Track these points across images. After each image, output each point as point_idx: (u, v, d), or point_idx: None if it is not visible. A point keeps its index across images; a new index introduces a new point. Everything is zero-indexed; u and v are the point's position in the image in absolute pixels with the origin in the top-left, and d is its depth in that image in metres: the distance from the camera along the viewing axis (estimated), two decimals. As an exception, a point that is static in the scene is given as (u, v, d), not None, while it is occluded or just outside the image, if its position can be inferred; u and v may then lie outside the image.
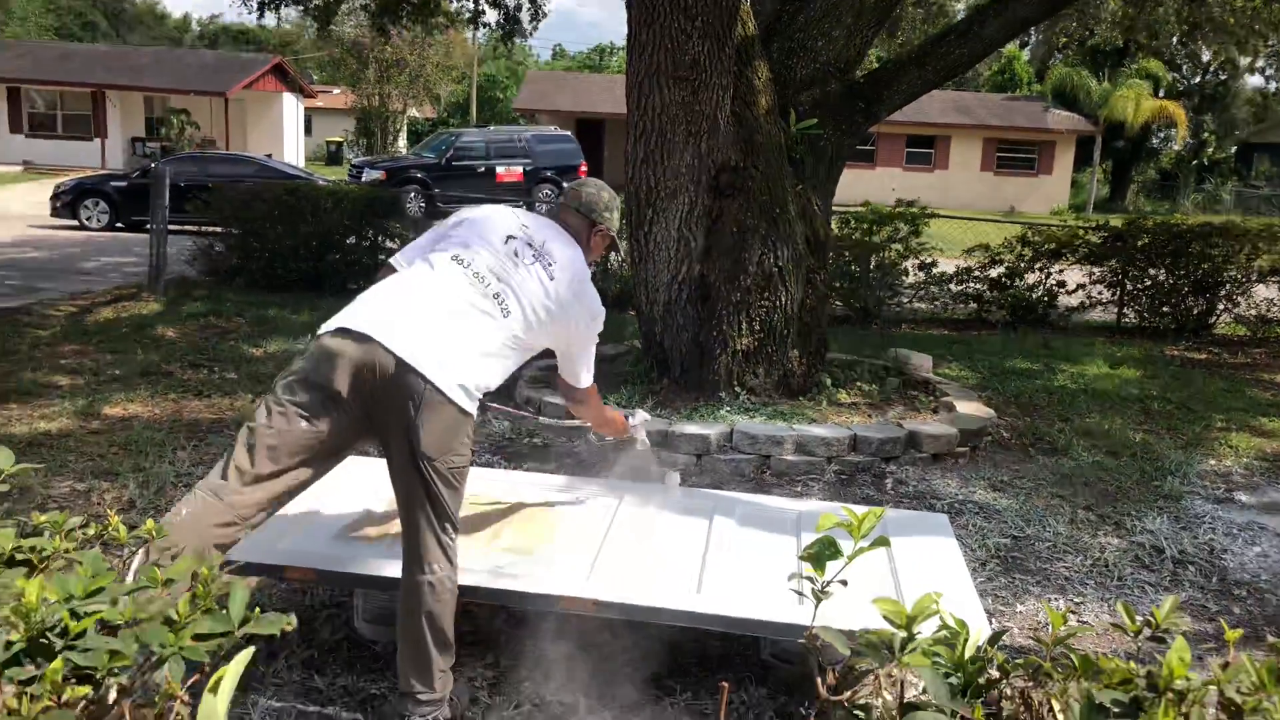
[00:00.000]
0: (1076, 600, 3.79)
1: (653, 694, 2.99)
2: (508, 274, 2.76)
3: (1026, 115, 31.88)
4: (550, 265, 2.83)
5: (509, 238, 2.83)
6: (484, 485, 3.72)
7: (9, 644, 1.27)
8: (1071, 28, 13.76)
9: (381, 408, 2.56)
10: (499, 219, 2.89)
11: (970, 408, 5.88)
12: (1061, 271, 9.99)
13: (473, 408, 2.64)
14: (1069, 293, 9.96)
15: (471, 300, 2.69)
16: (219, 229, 10.67)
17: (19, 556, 1.51)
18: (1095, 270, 10.03)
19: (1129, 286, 10.07)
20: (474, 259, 2.75)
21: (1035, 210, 28.28)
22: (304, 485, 2.64)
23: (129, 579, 1.62)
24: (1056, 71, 31.88)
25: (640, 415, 3.67)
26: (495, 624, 3.35)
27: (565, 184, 21.44)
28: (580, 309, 2.92)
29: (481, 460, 5.09)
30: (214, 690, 1.18)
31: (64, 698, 1.26)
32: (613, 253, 3.28)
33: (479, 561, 3.00)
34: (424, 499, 2.59)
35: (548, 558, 3.09)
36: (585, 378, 3.13)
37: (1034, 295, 9.93)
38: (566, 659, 3.15)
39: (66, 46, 36.40)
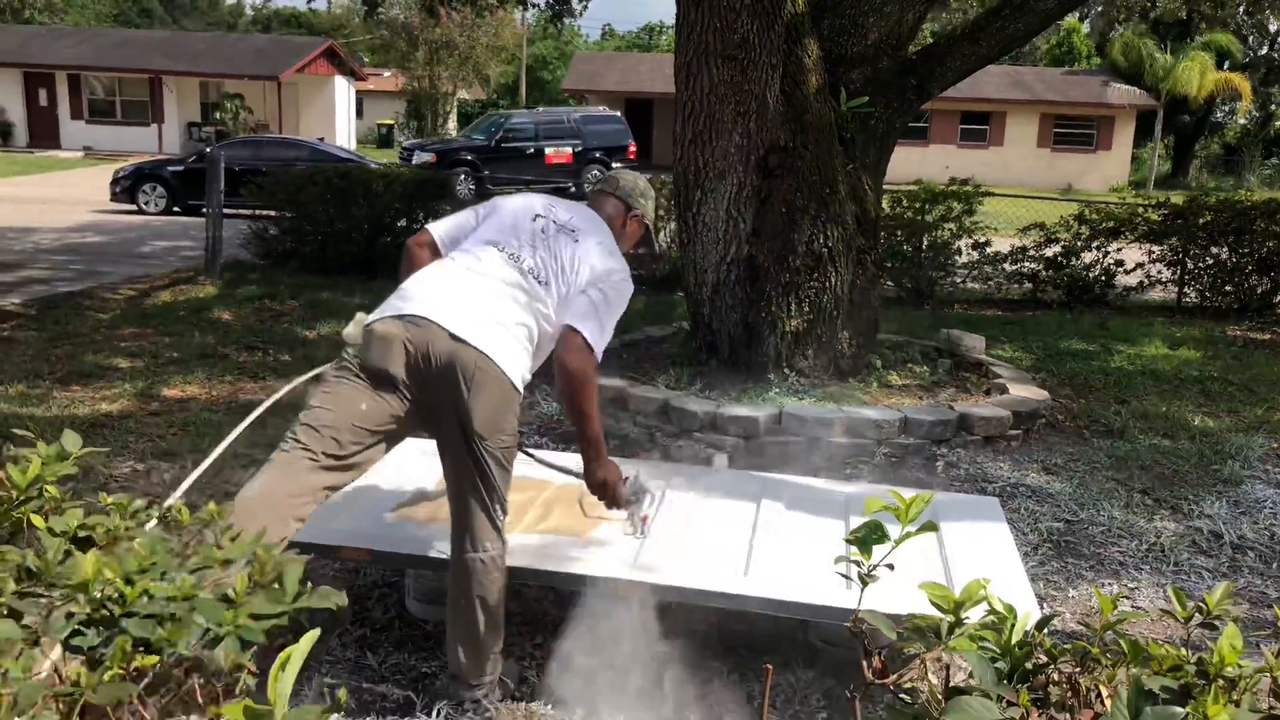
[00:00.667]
0: (1130, 586, 3.74)
1: (701, 675, 3.00)
2: (539, 249, 2.80)
3: (1085, 90, 31.20)
4: (577, 235, 2.86)
5: (537, 216, 2.88)
6: (531, 466, 3.75)
7: (70, 615, 1.31)
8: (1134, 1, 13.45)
9: (435, 388, 2.60)
10: (528, 202, 2.94)
11: (1024, 390, 5.81)
12: (1120, 250, 9.79)
13: (520, 383, 2.67)
14: (1127, 272, 9.76)
15: (511, 280, 2.73)
16: (273, 213, 10.84)
17: (81, 534, 1.56)
18: (1155, 249, 9.81)
19: (1190, 265, 9.85)
20: (508, 242, 2.80)
21: (1093, 188, 27.74)
22: (360, 470, 2.69)
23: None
24: (1119, 41, 31.07)
25: (641, 481, 2.94)
26: (544, 605, 3.39)
27: (614, 164, 21.45)
28: (615, 265, 2.86)
29: (531, 440, 5.13)
30: (282, 667, 1.21)
31: (133, 665, 1.30)
32: (644, 248, 3.20)
33: (527, 543, 3.04)
34: (476, 479, 2.63)
35: (596, 539, 3.11)
36: (597, 331, 2.70)
37: (1091, 275, 9.75)
38: (614, 640, 3.18)
39: (124, 33, 37.07)
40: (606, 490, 2.84)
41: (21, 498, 1.70)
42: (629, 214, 3.06)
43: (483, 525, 2.66)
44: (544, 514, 3.29)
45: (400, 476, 3.53)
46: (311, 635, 1.39)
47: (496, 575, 2.70)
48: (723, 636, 3.23)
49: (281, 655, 1.33)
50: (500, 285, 2.71)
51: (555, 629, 3.22)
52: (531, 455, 3.09)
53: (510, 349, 2.65)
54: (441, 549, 2.97)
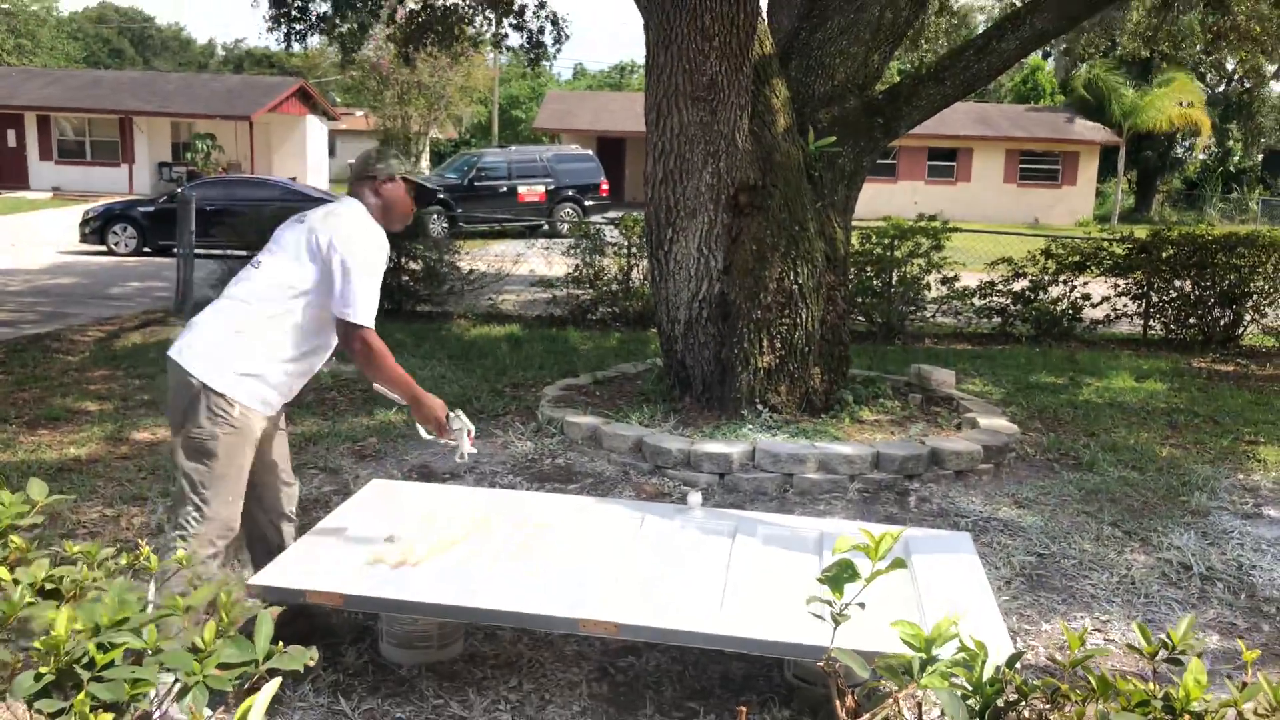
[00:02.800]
0: (1102, 618, 3.76)
1: (676, 716, 2.99)
2: (270, 245, 3.15)
3: (1049, 126, 31.73)
4: (305, 217, 3.13)
5: (282, 227, 3.19)
6: (504, 506, 3.74)
7: (39, 675, 1.30)
8: (1095, 39, 13.72)
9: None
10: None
11: (994, 423, 5.86)
12: (1086, 284, 9.94)
13: (207, 376, 2.97)
14: (1094, 305, 9.90)
15: (234, 283, 3.13)
16: (245, 253, 10.80)
17: (49, 586, 1.54)
18: (1120, 282, 9.97)
19: (1154, 298, 10.00)
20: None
21: (1059, 222, 28.13)
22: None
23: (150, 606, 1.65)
24: (1083, 77, 31.65)
25: (464, 421, 3.25)
26: (518, 647, 3.37)
27: (586, 202, 21.55)
28: (328, 225, 3.05)
29: (504, 481, 5.12)
30: (244, 718, 1.20)
31: (92, 723, 1.29)
32: (414, 196, 3.28)
33: (501, 585, 3.02)
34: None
35: (569, 580, 3.10)
36: (352, 307, 2.99)
37: (1058, 308, 9.88)
38: (589, 681, 3.17)
39: (95, 74, 36.97)
40: (432, 422, 3.18)
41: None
42: (375, 182, 3.20)
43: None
44: (519, 556, 3.27)
45: (370, 519, 3.51)
46: (272, 685, 1.38)
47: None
48: (699, 676, 3.22)
49: (243, 705, 1.33)
50: (222, 297, 3.12)
51: (530, 671, 3.20)
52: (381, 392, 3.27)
53: (210, 351, 3.00)
54: (415, 593, 2.95)
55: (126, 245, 16.87)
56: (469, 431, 3.24)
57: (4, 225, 20.67)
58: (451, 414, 3.21)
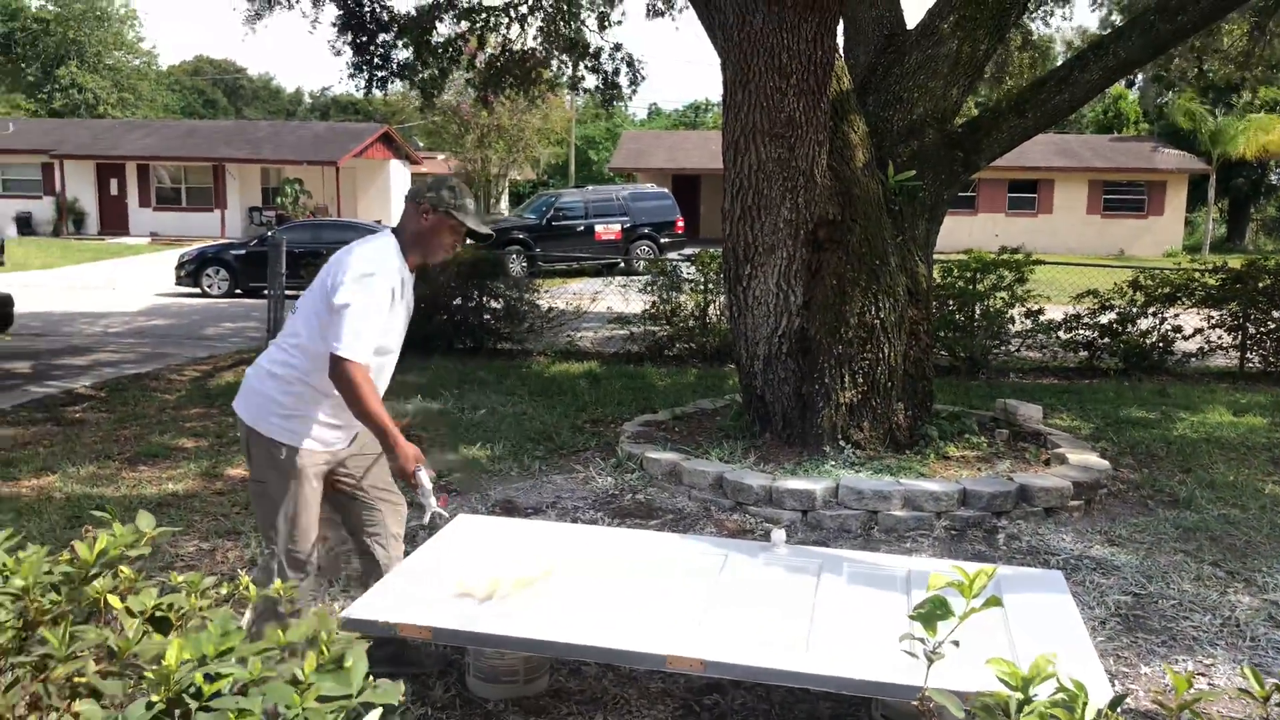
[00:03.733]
0: (1205, 662, 3.62)
1: (762, 755, 2.96)
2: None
3: (1134, 155, 31.05)
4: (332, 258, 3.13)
5: None
6: (587, 542, 3.75)
7: (150, 704, 1.35)
8: (1183, 66, 13.43)
9: None
10: None
11: (1084, 459, 5.71)
12: (1177, 316, 9.65)
13: (264, 426, 3.08)
14: (1186, 338, 9.61)
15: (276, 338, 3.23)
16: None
17: (159, 614, 1.60)
18: (1214, 314, 9.66)
19: (1251, 330, 9.67)
20: None
21: (1146, 253, 27.43)
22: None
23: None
24: (1169, 105, 30.94)
25: (425, 475, 3.12)
26: (603, 683, 3.37)
27: (662, 240, 21.68)
28: (352, 266, 2.99)
29: (585, 517, 5.14)
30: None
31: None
32: (463, 234, 3.21)
33: (586, 620, 3.03)
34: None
35: (654, 616, 3.09)
36: (338, 337, 2.92)
37: (1148, 341, 9.61)
38: (674, 718, 3.15)
39: (190, 124, 38.53)
40: (404, 475, 3.12)
41: (92, 573, 1.75)
42: (419, 210, 3.13)
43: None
44: (604, 591, 3.27)
45: (457, 554, 3.55)
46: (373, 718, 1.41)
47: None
48: (784, 715, 3.18)
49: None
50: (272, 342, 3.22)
51: (615, 707, 3.20)
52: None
53: (252, 398, 3.12)
54: (502, 627, 2.97)
55: (219, 287, 17.46)
56: (431, 488, 3.13)
57: (106, 270, 21.56)
58: (418, 468, 3.09)
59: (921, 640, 1.77)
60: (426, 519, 3.18)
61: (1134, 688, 3.41)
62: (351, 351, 2.92)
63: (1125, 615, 4.00)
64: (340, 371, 2.93)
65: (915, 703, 1.76)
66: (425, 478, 3.11)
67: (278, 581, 3.05)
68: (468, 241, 3.30)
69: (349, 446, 3.27)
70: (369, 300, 2.95)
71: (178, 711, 1.42)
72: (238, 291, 17.30)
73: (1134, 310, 9.60)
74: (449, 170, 39.40)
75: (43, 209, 31.12)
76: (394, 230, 3.20)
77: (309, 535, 3.17)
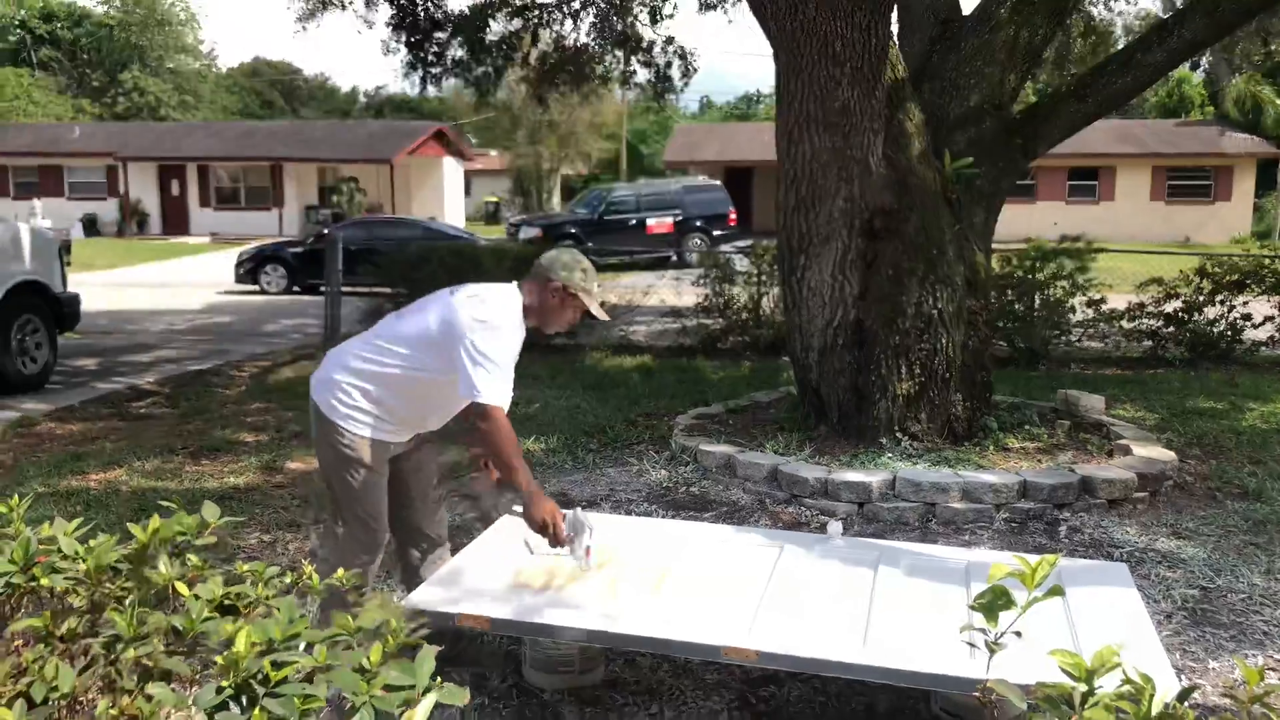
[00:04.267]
0: (1277, 657, 3.53)
1: (820, 747, 2.94)
2: (424, 300, 3.27)
3: (1199, 140, 30.27)
4: (460, 290, 3.20)
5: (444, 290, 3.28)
6: (642, 533, 3.76)
7: (219, 689, 1.38)
8: (1250, 48, 13.06)
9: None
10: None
11: (1148, 450, 5.59)
12: (1246, 304, 9.40)
13: (338, 415, 3.15)
14: (1255, 326, 9.35)
15: (369, 334, 3.30)
16: (389, 290, 11.22)
17: (226, 603, 1.63)
18: (1285, 301, 9.39)
19: (1324, 317, 9.38)
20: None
21: (1213, 240, 26.74)
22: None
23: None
24: (1235, 88, 30.09)
25: (585, 527, 3.08)
26: (659, 674, 3.37)
27: (715, 232, 21.61)
28: (480, 317, 3.06)
29: (639, 509, 5.15)
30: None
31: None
32: (588, 317, 3.32)
33: (641, 611, 3.03)
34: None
35: (710, 607, 3.09)
36: (478, 388, 2.98)
37: (1215, 330, 9.37)
38: (730, 709, 3.14)
39: (248, 125, 39.20)
40: (546, 529, 3.08)
41: (150, 553, 1.79)
42: (549, 285, 3.21)
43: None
44: (659, 583, 3.28)
45: (513, 546, 3.58)
46: (428, 704, 1.43)
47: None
48: (841, 708, 3.16)
49: (405, 716, 1.38)
50: (363, 336, 3.31)
51: (670, 698, 3.20)
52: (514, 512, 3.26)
53: (333, 390, 3.18)
54: (558, 617, 2.99)
55: (277, 285, 17.75)
56: (589, 534, 3.10)
57: (170, 269, 22.05)
58: (568, 516, 3.06)
59: (982, 631, 1.75)
60: (576, 562, 3.18)
61: (1202, 683, 3.33)
62: (499, 399, 3.00)
63: (1192, 609, 3.91)
64: (490, 416, 2.99)
65: (976, 694, 1.73)
66: (583, 516, 3.13)
67: (339, 570, 3.12)
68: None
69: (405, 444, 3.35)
70: (505, 351, 3.05)
71: (245, 697, 1.45)
72: (295, 289, 17.57)
73: (1200, 298, 9.37)
74: (503, 165, 39.67)
75: (107, 210, 31.89)
76: (520, 286, 3.25)
77: (381, 520, 3.28)
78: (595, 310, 3.28)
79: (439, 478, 3.62)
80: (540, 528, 3.09)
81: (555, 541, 3.11)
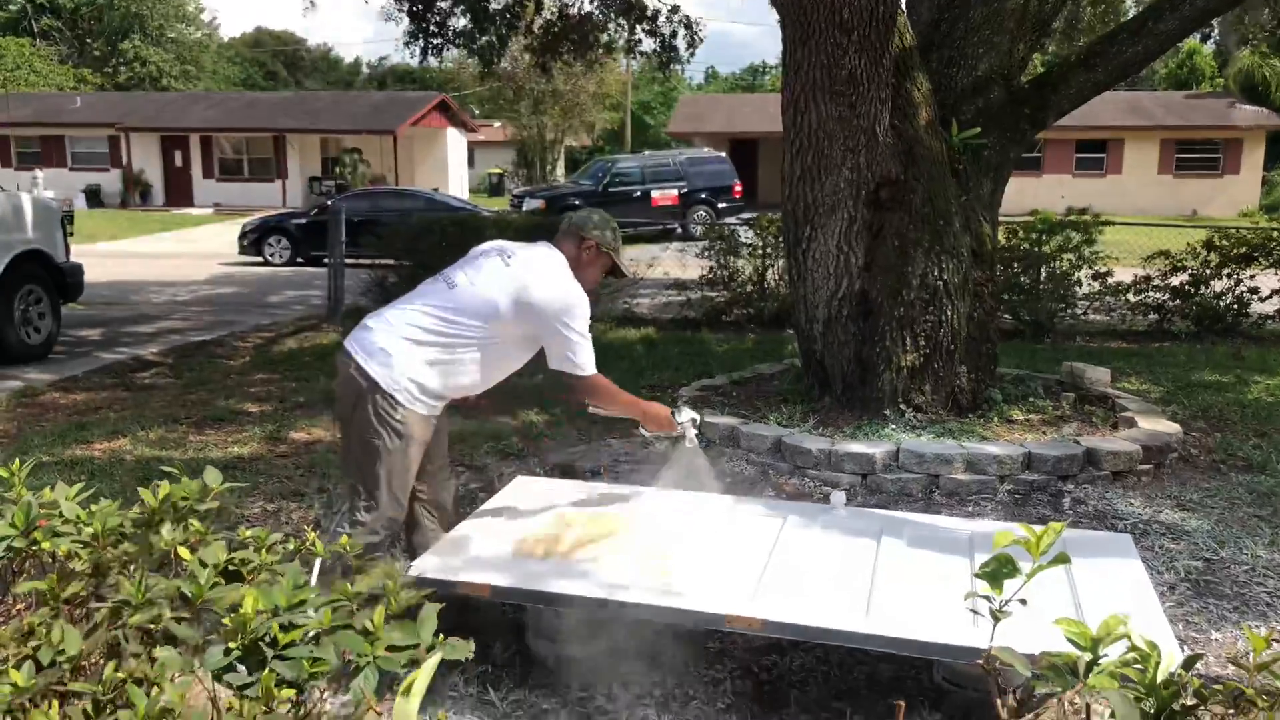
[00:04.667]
0: (1280, 628, 3.53)
1: (822, 716, 2.95)
2: (468, 267, 3.30)
3: (1209, 113, 30.05)
4: (509, 257, 3.25)
5: (487, 251, 3.35)
6: (646, 502, 3.76)
7: (228, 650, 1.38)
8: (1262, 16, 12.90)
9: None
10: (491, 243, 3.43)
11: (1153, 423, 5.58)
12: (1253, 277, 9.35)
13: (384, 380, 3.11)
14: (1262, 299, 9.31)
15: (422, 292, 3.28)
16: (392, 261, 11.19)
17: (231, 568, 1.63)
18: (1292, 275, 9.34)
19: (1332, 290, 9.33)
20: (449, 270, 3.34)
21: (1221, 213, 26.60)
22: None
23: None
24: (1241, 62, 29.81)
25: (688, 413, 3.57)
26: (662, 642, 3.38)
27: (719, 205, 21.53)
28: (559, 293, 3.19)
29: (644, 481, 5.15)
30: (406, 693, 1.25)
31: (274, 703, 1.36)
32: (611, 273, 3.51)
33: (645, 580, 3.04)
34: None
35: (714, 577, 3.09)
36: (579, 364, 3.21)
37: (1222, 303, 9.33)
38: (733, 678, 3.16)
39: (251, 96, 39.06)
40: (664, 425, 3.48)
41: (159, 519, 1.79)
42: (583, 244, 3.35)
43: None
44: (664, 553, 3.28)
45: (515, 515, 3.58)
46: (433, 661, 1.43)
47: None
48: (844, 677, 3.17)
49: (407, 680, 1.38)
50: (409, 304, 3.24)
51: (674, 667, 3.21)
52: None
53: (379, 347, 3.13)
54: (561, 586, 2.99)
55: (281, 256, 17.73)
56: (694, 421, 3.54)
57: (173, 240, 22.02)
58: (675, 410, 3.52)
59: (987, 599, 1.74)
60: (688, 442, 3.56)
61: (1204, 653, 3.33)
62: (591, 368, 3.24)
63: (1196, 581, 3.91)
64: (593, 386, 3.27)
65: (980, 662, 1.73)
66: (687, 410, 3.57)
67: (345, 537, 3.13)
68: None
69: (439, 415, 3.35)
70: (585, 319, 3.23)
71: (253, 659, 1.45)
72: (299, 260, 17.55)
73: (1207, 271, 9.33)
74: (506, 137, 39.50)
75: (110, 181, 31.84)
76: (556, 246, 3.36)
77: (406, 494, 3.26)
78: (624, 267, 3.50)
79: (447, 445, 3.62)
80: (659, 426, 3.49)
81: (671, 430, 3.51)
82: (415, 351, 3.13)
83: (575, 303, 3.19)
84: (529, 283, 3.17)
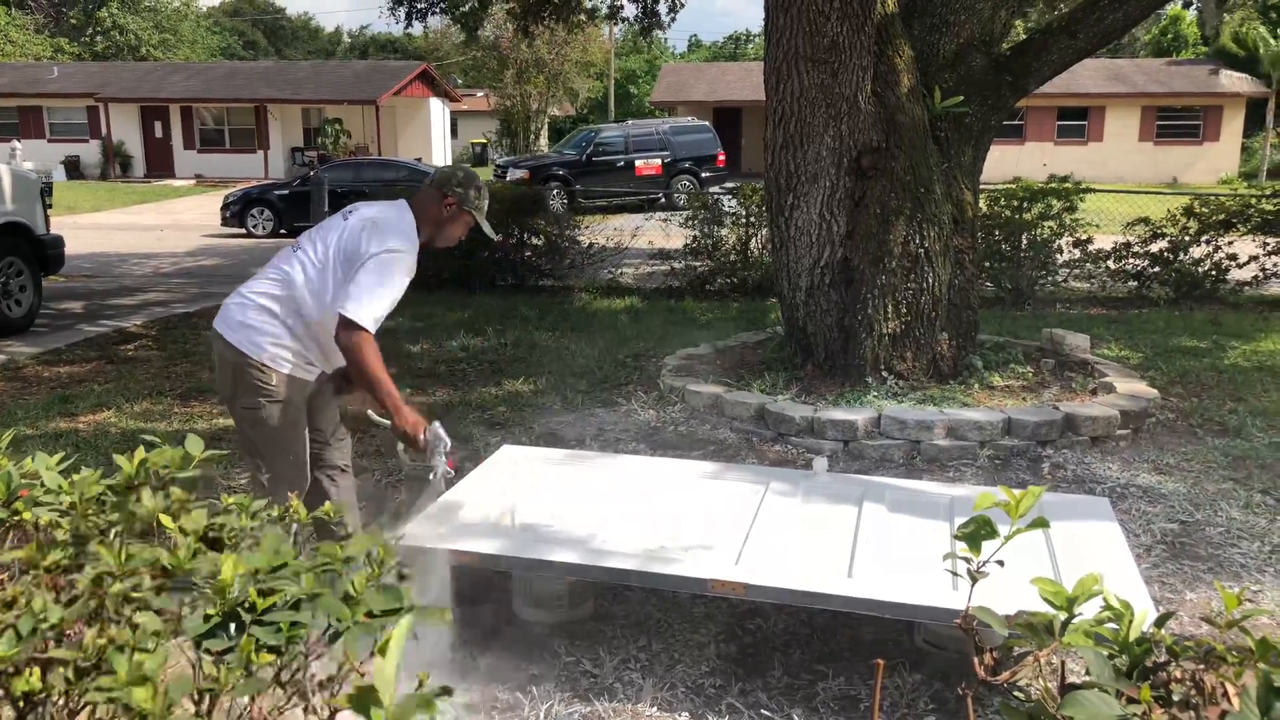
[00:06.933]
0: (1253, 588, 3.59)
1: (804, 678, 2.99)
2: (315, 234, 3.23)
3: (1190, 80, 30.06)
4: (351, 213, 3.21)
5: (341, 214, 3.27)
6: (630, 471, 3.78)
7: (207, 616, 1.39)
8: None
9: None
10: (348, 207, 3.32)
11: (1131, 388, 5.63)
12: (1232, 244, 9.41)
13: (251, 348, 3.10)
14: (1240, 266, 9.37)
15: (275, 262, 3.23)
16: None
17: (211, 535, 1.64)
18: (1270, 241, 9.39)
19: (1310, 256, 9.40)
20: (302, 238, 3.27)
21: (1201, 181, 26.69)
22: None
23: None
24: (1230, 26, 29.80)
25: (443, 436, 3.04)
26: (647, 608, 3.41)
27: (703, 174, 21.47)
28: (383, 244, 3.06)
29: (627, 449, 5.18)
30: (383, 652, 1.26)
31: (254, 668, 1.37)
32: (473, 229, 3.40)
33: (630, 546, 3.06)
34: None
35: (698, 542, 3.12)
36: (360, 310, 2.95)
37: (1201, 270, 9.39)
38: (717, 642, 3.19)
39: (231, 65, 38.57)
40: (409, 439, 3.05)
41: (138, 483, 1.79)
42: (444, 200, 3.26)
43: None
44: (647, 519, 3.30)
45: (502, 484, 3.60)
46: (407, 621, 1.44)
47: None
48: (827, 640, 3.21)
49: (384, 638, 1.39)
50: (262, 275, 3.21)
51: (659, 631, 3.25)
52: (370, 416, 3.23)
53: (238, 321, 3.12)
54: (548, 553, 3.02)
55: (264, 227, 17.60)
56: (445, 447, 3.04)
57: (155, 211, 21.81)
58: (429, 428, 3.04)
59: (966, 560, 1.77)
60: (433, 477, 3.08)
61: (1178, 611, 3.39)
62: (368, 320, 2.97)
63: (1171, 543, 3.97)
64: (352, 336, 2.96)
65: (958, 622, 1.76)
66: (441, 431, 3.05)
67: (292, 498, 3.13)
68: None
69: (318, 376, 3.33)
70: (396, 277, 3.05)
71: (233, 625, 1.46)
72: (282, 231, 17.43)
73: (1186, 239, 9.37)
74: (489, 106, 39.20)
75: (90, 152, 31.45)
76: (410, 204, 3.26)
77: (301, 458, 3.25)
78: (486, 230, 3.38)
79: (340, 410, 3.57)
80: (403, 437, 3.05)
81: (417, 451, 3.06)
82: (268, 318, 3.13)
83: (396, 257, 3.05)
84: (359, 232, 3.12)
